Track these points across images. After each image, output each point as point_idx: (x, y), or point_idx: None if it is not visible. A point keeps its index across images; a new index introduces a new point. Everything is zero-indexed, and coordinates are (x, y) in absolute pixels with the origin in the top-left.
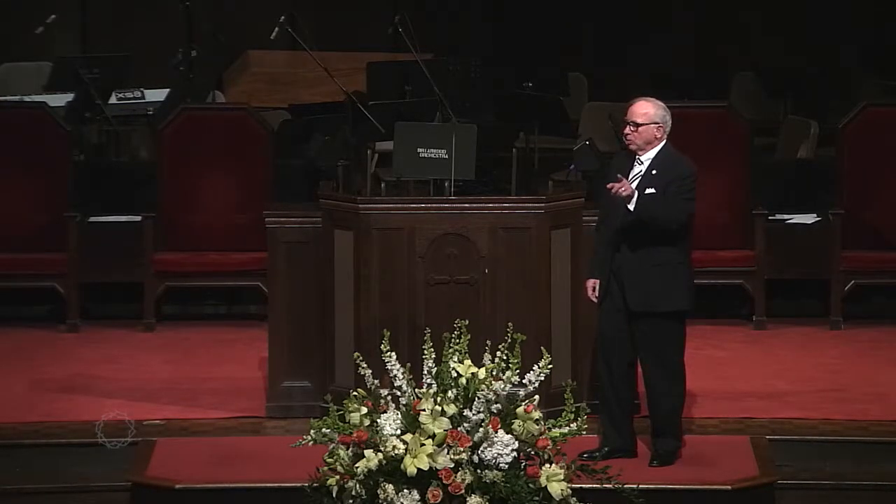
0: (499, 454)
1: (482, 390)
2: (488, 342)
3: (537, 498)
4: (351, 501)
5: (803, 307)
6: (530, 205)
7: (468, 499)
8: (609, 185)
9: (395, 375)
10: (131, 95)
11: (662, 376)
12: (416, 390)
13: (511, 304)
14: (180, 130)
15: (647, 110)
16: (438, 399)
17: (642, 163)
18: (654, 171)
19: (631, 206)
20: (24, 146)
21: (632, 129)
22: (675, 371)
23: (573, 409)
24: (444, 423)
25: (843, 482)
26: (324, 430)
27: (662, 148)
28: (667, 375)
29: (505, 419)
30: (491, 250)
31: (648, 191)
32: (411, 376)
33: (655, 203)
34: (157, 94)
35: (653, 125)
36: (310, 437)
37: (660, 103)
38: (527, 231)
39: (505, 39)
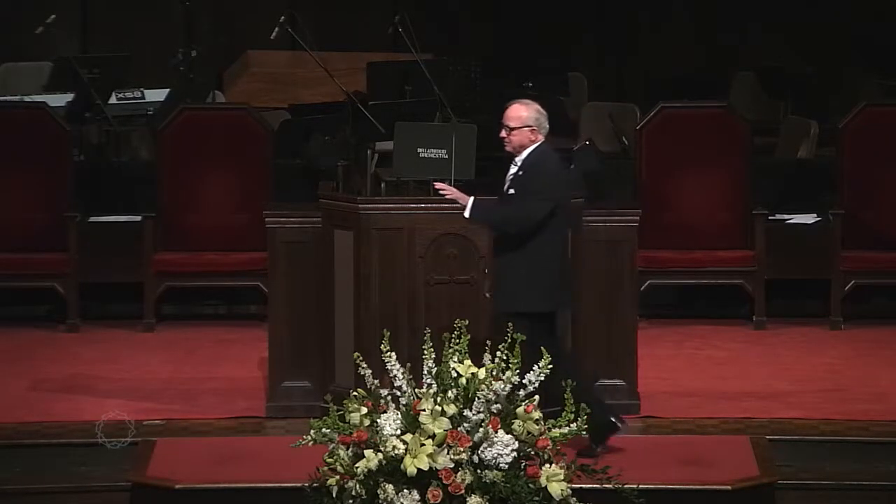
0: (499, 454)
1: (482, 390)
2: (488, 342)
3: (537, 498)
4: (351, 501)
5: (803, 307)
6: None
7: (468, 499)
8: (437, 186)
9: (395, 375)
10: (131, 95)
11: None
12: (416, 390)
13: None
14: (180, 130)
15: (520, 113)
16: (438, 399)
17: (516, 164)
18: (521, 173)
19: (466, 213)
20: (24, 146)
21: (506, 132)
22: (556, 366)
23: (573, 409)
24: (444, 423)
25: (843, 482)
26: (324, 430)
27: (535, 150)
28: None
29: (505, 419)
30: (491, 250)
31: (511, 192)
32: (411, 376)
33: (493, 207)
34: (157, 94)
35: (526, 128)
36: (310, 437)
37: (534, 105)
38: None
39: (505, 39)
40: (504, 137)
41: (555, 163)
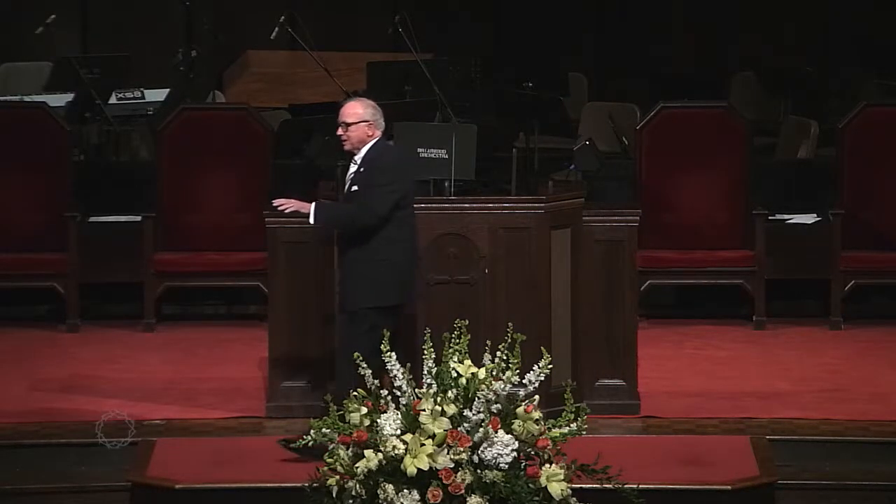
0: (499, 454)
1: (482, 390)
2: (488, 342)
3: (537, 498)
4: (351, 501)
5: (803, 307)
6: (530, 205)
7: (468, 499)
8: (274, 203)
9: (395, 375)
10: (131, 95)
11: (338, 368)
12: (416, 390)
13: (511, 304)
14: (180, 130)
15: (356, 110)
16: (438, 399)
17: (356, 162)
18: (361, 169)
19: (311, 220)
20: (24, 146)
21: (343, 129)
22: (343, 369)
23: (573, 409)
24: (444, 423)
25: (843, 482)
26: (324, 430)
27: (373, 145)
28: (340, 368)
29: (505, 419)
30: (491, 250)
31: (353, 188)
32: (411, 376)
33: (337, 208)
34: (157, 94)
35: (363, 123)
36: (310, 437)
37: (370, 102)
38: (527, 231)
39: (505, 39)
40: (342, 135)
41: (394, 156)
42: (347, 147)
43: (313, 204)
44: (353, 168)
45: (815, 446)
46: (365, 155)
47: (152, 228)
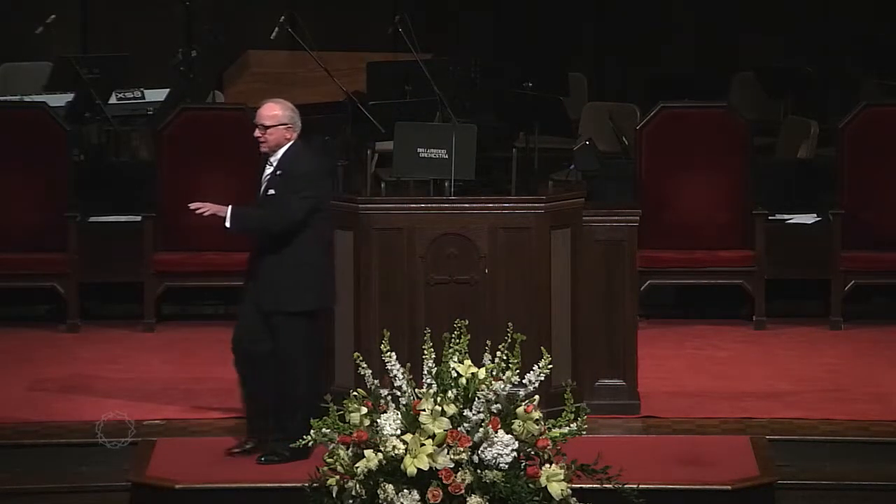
0: (499, 454)
1: (482, 390)
2: (488, 342)
3: (537, 498)
4: (351, 501)
5: (803, 307)
6: (530, 205)
7: (468, 499)
8: (191, 206)
9: (395, 375)
10: (131, 95)
11: (287, 375)
12: (416, 390)
13: (511, 304)
14: (180, 130)
15: (275, 112)
16: (438, 399)
17: (272, 164)
18: (278, 172)
19: (227, 224)
20: (24, 146)
21: (261, 131)
22: (296, 371)
23: (573, 409)
24: (444, 423)
25: (844, 482)
26: (324, 430)
27: (290, 148)
28: (290, 375)
29: (505, 419)
30: (491, 250)
31: (270, 192)
32: (411, 376)
33: (253, 212)
34: (157, 94)
35: (282, 126)
36: (310, 437)
37: (288, 104)
38: (527, 231)
39: (505, 39)
40: (259, 137)
41: (311, 160)
42: (264, 149)
43: (229, 208)
44: (268, 170)
45: (815, 446)
46: (281, 158)
47: (152, 228)
